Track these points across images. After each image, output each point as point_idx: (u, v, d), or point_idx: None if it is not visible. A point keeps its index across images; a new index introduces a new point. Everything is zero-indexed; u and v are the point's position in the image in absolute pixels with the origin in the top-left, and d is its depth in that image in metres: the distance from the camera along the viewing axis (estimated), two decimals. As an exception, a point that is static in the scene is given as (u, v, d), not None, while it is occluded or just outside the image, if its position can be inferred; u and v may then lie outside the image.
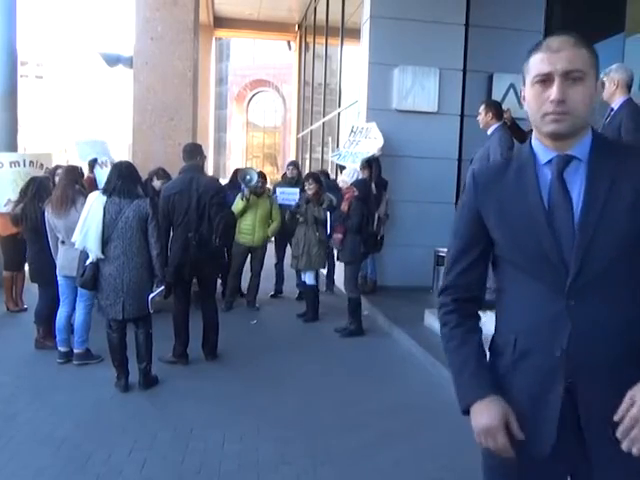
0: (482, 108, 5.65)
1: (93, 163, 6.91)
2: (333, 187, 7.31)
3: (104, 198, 4.36)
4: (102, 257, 4.32)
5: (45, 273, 5.24)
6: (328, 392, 4.62)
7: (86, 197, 4.55)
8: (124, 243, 4.33)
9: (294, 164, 8.68)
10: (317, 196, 6.68)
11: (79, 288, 4.71)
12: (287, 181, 8.14)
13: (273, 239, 7.98)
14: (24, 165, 6.85)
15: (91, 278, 4.33)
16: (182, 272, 5.05)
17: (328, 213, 6.44)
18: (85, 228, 4.30)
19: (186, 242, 4.99)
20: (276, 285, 8.12)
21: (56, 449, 3.51)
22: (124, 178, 4.43)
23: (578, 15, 7.79)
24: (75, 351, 5.00)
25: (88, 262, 4.33)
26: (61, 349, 5.04)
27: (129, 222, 4.33)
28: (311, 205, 6.66)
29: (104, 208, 4.32)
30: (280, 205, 7.38)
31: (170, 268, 4.95)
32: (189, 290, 5.26)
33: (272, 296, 8.04)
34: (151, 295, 4.42)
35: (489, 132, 5.69)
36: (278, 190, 7.71)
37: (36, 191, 5.42)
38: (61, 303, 5.06)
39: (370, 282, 7.75)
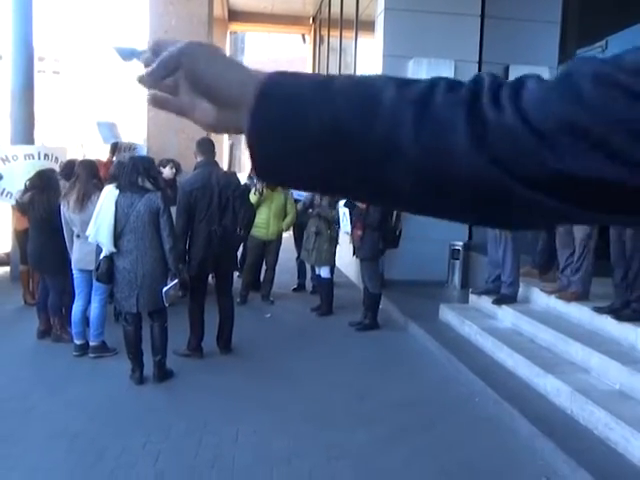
0: None
1: (115, 146, 6.97)
2: None
3: (116, 192, 4.38)
4: (115, 251, 4.35)
5: (53, 263, 5.28)
6: (342, 386, 4.61)
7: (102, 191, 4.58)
8: (136, 237, 4.35)
9: None
10: None
11: (94, 281, 4.75)
12: None
13: (292, 233, 7.99)
14: (39, 158, 6.91)
15: (106, 271, 4.37)
16: (205, 266, 5.08)
17: (347, 210, 6.37)
18: (98, 222, 4.33)
19: (209, 236, 5.00)
20: (299, 279, 8.13)
21: (71, 443, 3.54)
22: (136, 173, 4.44)
23: (596, 4, 7.67)
24: (91, 344, 5.04)
25: (102, 256, 4.37)
26: (77, 342, 5.07)
27: (141, 216, 4.35)
28: (324, 200, 6.65)
29: (116, 202, 4.34)
30: (296, 199, 7.38)
31: (193, 262, 4.98)
32: (206, 284, 5.28)
33: (294, 290, 8.06)
34: (165, 288, 4.44)
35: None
36: None
37: (46, 183, 5.40)
38: (76, 296, 5.10)
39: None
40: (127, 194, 4.37)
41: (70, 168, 6.06)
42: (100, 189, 4.78)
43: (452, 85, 0.54)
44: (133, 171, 4.44)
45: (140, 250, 4.36)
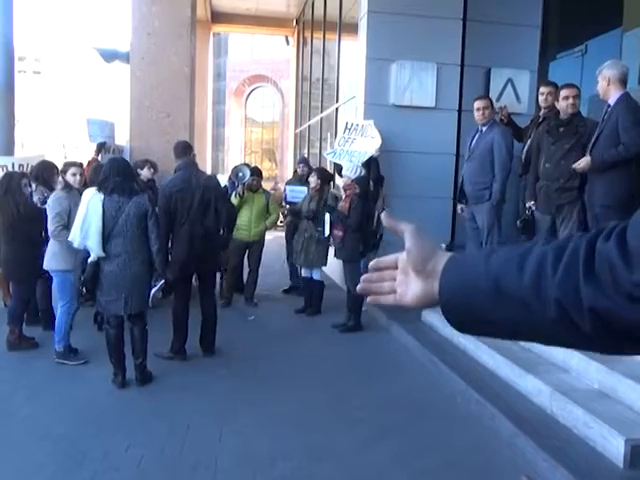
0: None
1: (101, 146, 6.93)
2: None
3: (101, 196, 4.34)
4: (103, 255, 4.31)
5: (17, 271, 5.28)
6: (325, 387, 4.63)
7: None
8: (125, 240, 4.33)
9: (305, 161, 8.69)
10: (319, 192, 6.69)
11: (60, 287, 4.79)
12: (297, 178, 8.15)
13: (284, 235, 8.04)
14: (13, 169, 6.80)
15: (92, 277, 4.33)
16: (187, 268, 5.07)
17: (328, 214, 6.38)
18: (85, 226, 4.28)
19: (192, 238, 5.00)
20: (291, 280, 8.09)
21: (54, 446, 3.52)
22: (123, 175, 4.43)
23: (576, 10, 7.77)
24: (56, 349, 5.00)
25: (90, 260, 4.32)
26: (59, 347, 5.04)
27: (130, 219, 4.34)
28: (313, 201, 6.68)
29: (102, 206, 4.31)
30: (291, 202, 7.41)
31: (175, 265, 4.97)
32: (190, 286, 5.28)
33: (285, 291, 8.04)
34: (153, 290, 4.44)
35: (485, 128, 5.70)
36: (287, 188, 7.74)
37: (7, 187, 5.29)
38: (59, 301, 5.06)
39: None
40: (114, 197, 4.34)
41: (40, 169, 5.99)
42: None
43: (576, 245, 0.71)
44: (119, 174, 4.40)
45: (128, 253, 4.34)
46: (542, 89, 5.82)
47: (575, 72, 7.41)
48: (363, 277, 0.94)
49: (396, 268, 0.90)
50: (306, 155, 13.98)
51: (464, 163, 6.20)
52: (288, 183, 8.25)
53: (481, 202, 5.64)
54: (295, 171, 8.51)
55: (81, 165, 5.56)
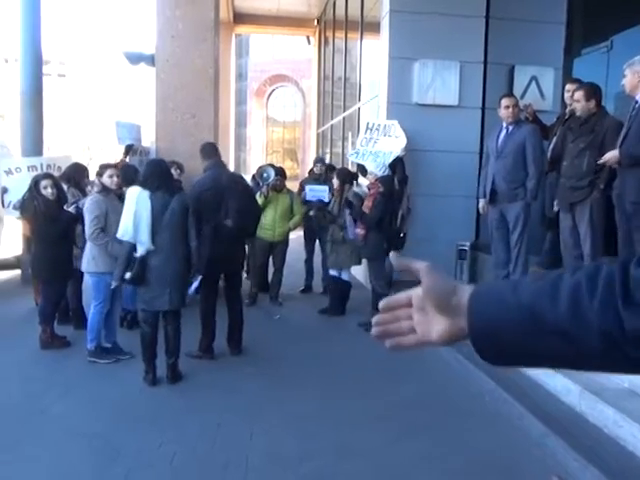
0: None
1: (129, 149, 7.03)
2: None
3: (147, 192, 4.48)
4: (153, 248, 4.45)
5: (47, 271, 5.38)
6: (352, 386, 4.65)
7: None
8: (169, 235, 4.50)
9: (321, 160, 8.71)
10: (340, 192, 6.72)
11: (95, 286, 4.93)
12: (314, 177, 8.18)
13: (302, 235, 8.07)
14: (41, 169, 6.94)
15: (141, 272, 4.44)
16: (216, 267, 5.14)
17: (350, 217, 6.41)
18: (136, 222, 4.41)
19: (220, 237, 5.06)
20: (306, 281, 8.17)
21: (87, 443, 3.59)
22: (166, 174, 4.69)
23: (601, 6, 7.68)
24: (88, 348, 5.10)
25: (138, 255, 4.44)
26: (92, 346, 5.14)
27: (175, 215, 4.53)
28: (336, 203, 6.71)
29: (151, 202, 4.46)
30: (309, 202, 7.43)
31: (204, 264, 5.04)
32: (217, 286, 5.35)
33: (302, 291, 8.11)
34: (193, 285, 4.60)
35: (512, 127, 5.66)
36: (307, 187, 7.75)
37: (30, 189, 5.38)
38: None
39: None
40: (158, 194, 4.50)
41: (72, 172, 6.11)
42: None
43: (609, 273, 0.70)
44: (162, 173, 4.63)
45: (171, 248, 4.50)
46: (568, 86, 5.77)
47: (601, 68, 7.33)
48: (375, 319, 0.90)
49: (409, 306, 0.87)
50: (329, 154, 14.02)
51: (485, 161, 6.17)
52: (305, 182, 8.25)
53: (515, 200, 5.58)
54: (311, 170, 8.50)
55: (116, 167, 5.64)
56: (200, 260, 4.97)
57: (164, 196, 4.52)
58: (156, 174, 4.58)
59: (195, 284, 4.66)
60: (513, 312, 0.74)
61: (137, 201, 4.44)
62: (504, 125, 5.75)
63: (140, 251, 4.44)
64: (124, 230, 4.46)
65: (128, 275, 4.46)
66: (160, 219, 4.47)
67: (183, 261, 4.59)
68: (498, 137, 5.77)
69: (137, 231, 4.42)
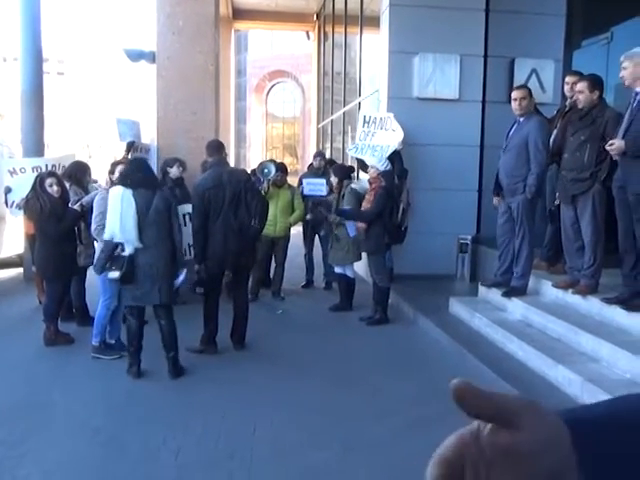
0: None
1: (130, 146, 7.05)
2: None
3: (130, 190, 4.48)
4: (141, 246, 4.47)
5: (50, 269, 5.41)
6: (356, 380, 4.67)
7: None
8: (155, 232, 4.52)
9: (321, 155, 8.72)
10: (338, 189, 6.74)
11: (103, 285, 4.96)
12: (313, 171, 8.19)
13: (301, 230, 8.09)
14: (46, 169, 6.95)
15: (131, 271, 4.47)
16: (223, 263, 5.18)
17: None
18: (123, 221, 4.43)
19: (227, 233, 5.08)
20: (307, 276, 8.21)
21: (92, 438, 3.62)
22: (144, 171, 4.68)
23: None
24: (92, 343, 5.13)
25: (126, 254, 4.45)
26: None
27: (159, 211, 4.54)
28: (334, 200, 6.73)
29: (134, 199, 4.47)
30: (307, 196, 7.43)
31: (212, 261, 5.08)
32: (221, 281, 5.39)
33: (303, 286, 8.14)
34: (180, 279, 4.64)
35: (522, 120, 5.55)
36: (305, 181, 7.75)
37: (34, 187, 5.42)
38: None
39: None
40: (141, 192, 4.51)
41: (74, 169, 6.14)
42: None
43: None
44: (140, 170, 4.65)
45: (158, 244, 4.53)
46: (567, 79, 5.76)
47: (601, 60, 7.33)
48: None
49: None
50: (329, 149, 14.02)
51: (489, 154, 6.16)
52: (304, 176, 8.26)
53: (516, 195, 5.54)
54: (311, 164, 8.51)
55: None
56: (207, 259, 5.03)
57: (146, 193, 4.54)
58: (136, 171, 4.62)
59: (181, 277, 4.73)
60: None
61: (122, 200, 4.46)
62: (517, 118, 5.66)
63: (128, 250, 4.47)
64: (112, 232, 4.49)
65: (117, 274, 4.49)
66: (145, 216, 4.49)
67: (169, 256, 4.62)
68: (510, 130, 5.69)
69: (124, 230, 4.43)
